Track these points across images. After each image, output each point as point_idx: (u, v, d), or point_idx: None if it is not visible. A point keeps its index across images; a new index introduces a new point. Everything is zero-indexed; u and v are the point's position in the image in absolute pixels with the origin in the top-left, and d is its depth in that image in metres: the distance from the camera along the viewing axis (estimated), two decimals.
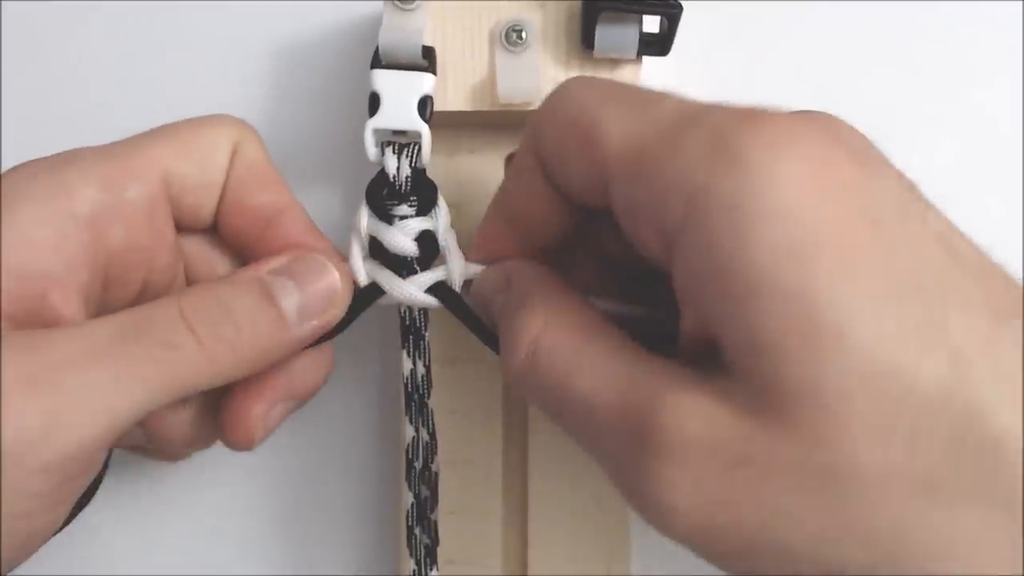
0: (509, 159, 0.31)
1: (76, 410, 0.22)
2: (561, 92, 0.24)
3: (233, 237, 0.28)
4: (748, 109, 0.20)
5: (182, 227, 0.27)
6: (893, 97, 0.34)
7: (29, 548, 0.23)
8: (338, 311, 0.27)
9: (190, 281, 0.28)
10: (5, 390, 0.21)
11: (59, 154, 0.25)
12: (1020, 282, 0.20)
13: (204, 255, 0.28)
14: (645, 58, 0.30)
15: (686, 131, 0.20)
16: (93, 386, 0.22)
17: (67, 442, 0.22)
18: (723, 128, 0.20)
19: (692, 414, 0.19)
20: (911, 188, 0.21)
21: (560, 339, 0.23)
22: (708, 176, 0.19)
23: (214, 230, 0.28)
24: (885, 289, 0.18)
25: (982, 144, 0.34)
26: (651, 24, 0.29)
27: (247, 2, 0.35)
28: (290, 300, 0.26)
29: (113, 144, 0.26)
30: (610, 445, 0.22)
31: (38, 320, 0.24)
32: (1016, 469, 0.18)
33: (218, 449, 0.34)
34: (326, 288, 0.26)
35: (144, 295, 0.27)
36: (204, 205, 0.27)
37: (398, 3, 0.28)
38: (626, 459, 0.21)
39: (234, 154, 0.27)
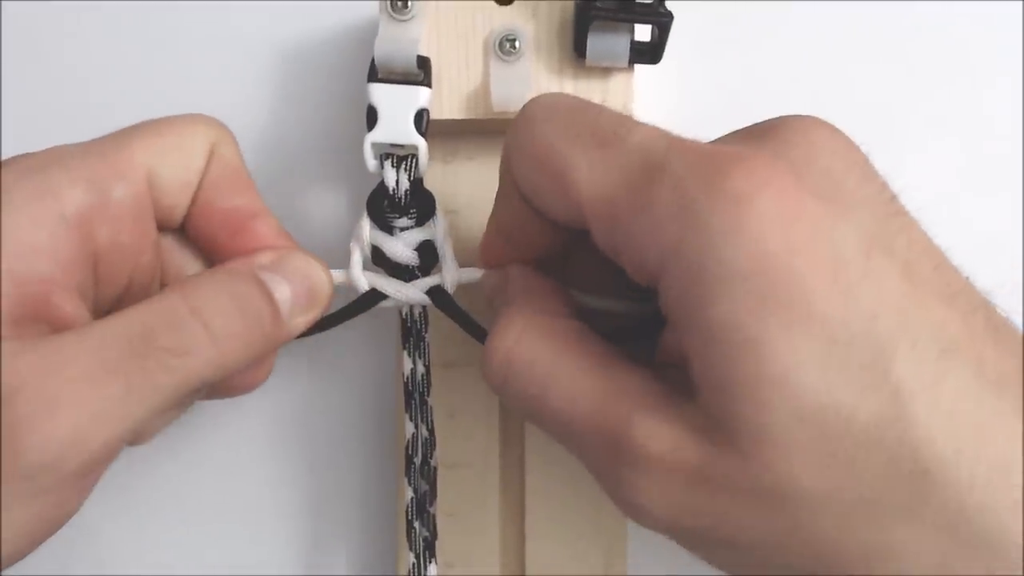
0: None
1: (97, 423, 0.23)
2: (527, 124, 0.24)
3: (202, 239, 0.28)
4: (709, 153, 0.21)
5: (181, 210, 0.27)
6: (891, 97, 0.34)
7: (57, 525, 0.24)
8: (321, 309, 0.28)
9: (162, 280, 0.28)
10: (30, 413, 0.22)
11: (44, 152, 0.25)
12: (983, 302, 0.21)
13: (174, 255, 0.28)
14: (637, 65, 0.30)
15: (652, 186, 0.21)
16: (111, 399, 0.23)
17: (90, 451, 0.23)
18: (687, 184, 0.21)
19: (659, 436, 0.22)
20: (884, 212, 0.22)
21: (534, 352, 0.24)
22: (676, 237, 0.21)
23: (181, 230, 0.28)
24: (836, 336, 0.20)
25: (981, 144, 0.34)
26: (642, 33, 0.29)
27: (250, 2, 0.35)
28: (283, 295, 0.26)
29: (96, 141, 0.26)
30: (587, 451, 0.24)
31: (43, 321, 0.24)
32: (945, 493, 0.20)
33: (219, 445, 0.35)
34: (312, 286, 0.27)
35: (130, 291, 0.27)
36: (178, 205, 0.27)
37: (393, 14, 0.29)
38: (602, 465, 0.23)
39: (211, 155, 0.27)
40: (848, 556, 0.20)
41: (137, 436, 0.27)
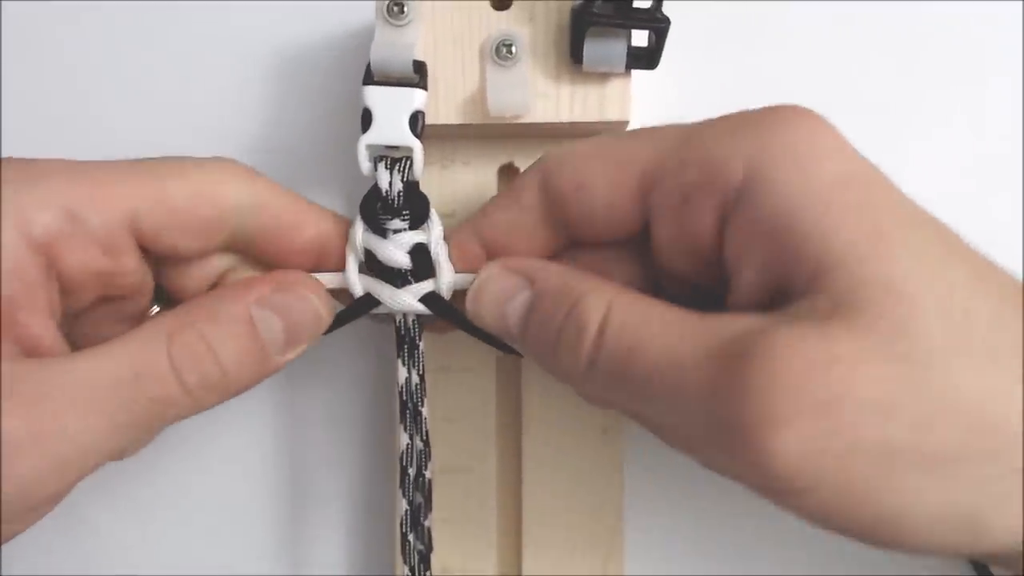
0: (502, 171, 0.32)
1: (81, 456, 0.23)
2: (566, 146, 0.26)
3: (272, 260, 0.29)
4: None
5: (177, 253, 0.27)
6: (889, 98, 0.34)
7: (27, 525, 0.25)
8: (316, 336, 0.28)
9: (181, 281, 0.28)
10: (17, 445, 0.22)
11: (25, 167, 0.25)
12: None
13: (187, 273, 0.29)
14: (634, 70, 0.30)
15: (721, 120, 0.24)
16: (95, 433, 0.23)
17: (70, 478, 0.24)
18: (753, 111, 0.24)
19: (780, 334, 0.21)
20: None
21: (629, 309, 0.24)
22: (766, 133, 0.23)
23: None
24: (913, 212, 0.23)
25: (982, 144, 0.34)
26: (639, 38, 0.29)
27: (250, 2, 0.35)
28: (273, 334, 0.26)
29: (88, 165, 0.26)
30: (693, 394, 0.22)
31: (11, 339, 0.24)
32: None
33: (215, 453, 0.35)
34: (306, 317, 0.27)
35: (102, 303, 0.27)
36: (187, 245, 0.27)
37: (389, 19, 0.29)
38: (715, 397, 0.21)
39: (246, 206, 0.27)
40: (994, 419, 0.20)
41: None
